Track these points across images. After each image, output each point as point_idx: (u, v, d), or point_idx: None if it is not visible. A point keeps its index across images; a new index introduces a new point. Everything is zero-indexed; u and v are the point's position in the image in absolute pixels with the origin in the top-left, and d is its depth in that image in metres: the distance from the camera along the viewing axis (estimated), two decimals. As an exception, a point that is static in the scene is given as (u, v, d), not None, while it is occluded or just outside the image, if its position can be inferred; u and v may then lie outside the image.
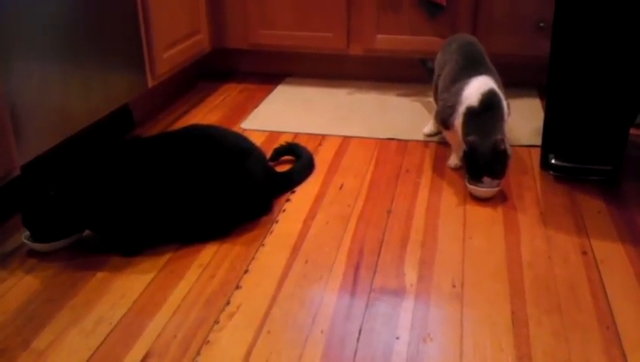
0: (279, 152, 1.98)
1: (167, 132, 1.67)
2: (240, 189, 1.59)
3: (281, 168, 1.91)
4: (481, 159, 1.70)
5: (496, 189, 1.75)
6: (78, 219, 1.49)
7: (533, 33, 2.44)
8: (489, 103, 1.76)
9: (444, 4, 2.45)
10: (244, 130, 2.24)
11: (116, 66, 2.00)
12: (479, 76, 1.83)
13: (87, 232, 1.56)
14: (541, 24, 2.41)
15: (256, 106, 2.48)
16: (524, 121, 2.29)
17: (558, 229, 1.61)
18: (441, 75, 2.03)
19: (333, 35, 2.62)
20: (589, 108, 1.81)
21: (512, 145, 2.02)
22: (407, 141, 2.16)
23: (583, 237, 1.58)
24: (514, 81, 2.62)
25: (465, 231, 1.61)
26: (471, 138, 1.72)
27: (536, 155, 2.01)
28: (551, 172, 1.90)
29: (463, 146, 1.74)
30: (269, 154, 1.96)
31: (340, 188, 1.83)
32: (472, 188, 1.75)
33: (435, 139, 2.15)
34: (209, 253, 1.52)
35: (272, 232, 1.61)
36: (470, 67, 1.89)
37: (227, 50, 2.80)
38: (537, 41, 2.44)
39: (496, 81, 1.86)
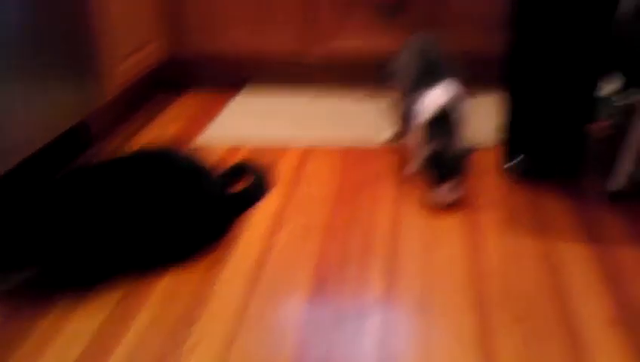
0: (232, 173, 1.94)
1: (115, 157, 1.62)
2: (196, 212, 1.56)
3: (237, 188, 1.88)
4: (444, 163, 1.70)
5: (460, 193, 1.74)
6: (23, 254, 1.43)
7: (491, 29, 2.43)
8: (445, 114, 1.76)
9: (400, 4, 2.43)
10: (202, 144, 2.20)
11: (70, 81, 1.94)
12: (436, 86, 1.82)
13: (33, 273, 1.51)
14: (499, 19, 2.40)
15: (215, 117, 2.44)
16: (487, 119, 2.28)
17: (521, 233, 1.61)
18: (398, 81, 2.01)
19: (290, 39, 2.58)
20: (547, 105, 1.81)
21: (474, 146, 2.02)
22: (368, 148, 2.14)
23: (547, 240, 1.58)
24: (478, 76, 2.62)
25: (429, 241, 1.59)
26: (432, 144, 1.71)
27: (495, 155, 2.01)
28: (512, 172, 1.90)
29: (424, 154, 1.73)
30: (223, 173, 1.92)
31: (302, 199, 1.81)
32: (435, 194, 1.74)
33: (395, 144, 2.13)
34: (167, 282, 1.49)
35: (232, 254, 1.58)
36: (427, 75, 1.88)
37: (184, 60, 2.75)
38: (496, 36, 2.43)
39: (454, 87, 1.84)
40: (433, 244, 1.58)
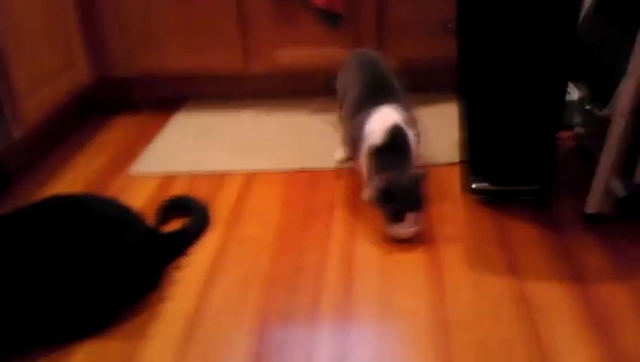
0: (167, 209, 1.72)
1: (21, 208, 1.38)
2: (117, 268, 1.33)
3: (173, 226, 1.65)
4: (396, 196, 1.49)
5: (418, 227, 1.54)
6: None
7: (442, 35, 2.25)
8: (394, 140, 1.56)
9: (342, 12, 2.22)
10: (133, 176, 1.97)
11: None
12: (382, 106, 1.62)
13: None
14: (449, 25, 2.22)
15: (149, 143, 2.20)
16: (442, 133, 2.10)
17: (487, 271, 1.42)
18: (343, 99, 1.81)
19: (228, 54, 2.36)
20: (507, 119, 1.61)
21: (430, 165, 1.84)
22: (317, 171, 1.93)
23: (516, 278, 1.39)
24: (430, 86, 2.44)
25: (384, 286, 1.39)
26: (381, 175, 1.51)
27: (456, 174, 1.82)
28: (476, 194, 1.71)
29: (373, 187, 1.53)
30: (159, 206, 1.70)
31: (242, 242, 1.59)
32: (392, 230, 1.54)
33: (348, 165, 1.93)
34: (83, 356, 1.26)
35: (160, 316, 1.35)
36: (372, 94, 1.68)
37: (115, 80, 2.50)
38: (448, 42, 2.25)
39: (402, 107, 1.65)
40: (391, 290, 1.38)
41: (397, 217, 1.51)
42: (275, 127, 2.26)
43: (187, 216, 1.66)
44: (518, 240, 1.52)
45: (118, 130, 2.35)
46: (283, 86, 2.52)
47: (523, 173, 1.66)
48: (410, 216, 1.51)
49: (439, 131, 2.11)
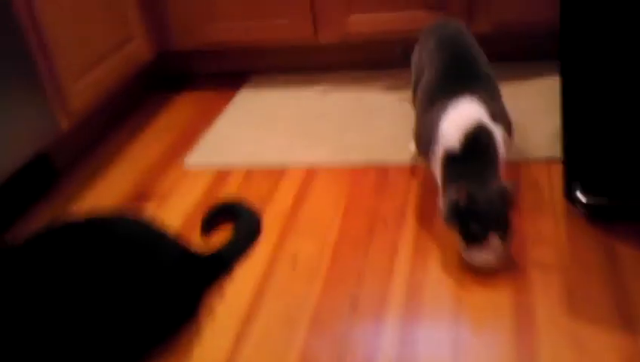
0: (212, 217, 1.51)
1: (38, 234, 1.21)
2: (149, 298, 1.15)
3: (220, 236, 1.45)
4: (481, 213, 1.20)
5: (502, 253, 1.24)
6: None
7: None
8: (475, 144, 1.25)
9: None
10: (186, 169, 1.78)
11: (9, 114, 1.54)
12: (463, 98, 1.31)
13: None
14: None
15: (208, 126, 2.00)
16: (540, 117, 1.74)
17: (591, 320, 1.11)
18: (418, 84, 1.51)
19: (295, 23, 2.09)
20: (626, 114, 1.25)
21: (523, 160, 1.51)
22: (388, 166, 1.65)
23: (632, 333, 1.08)
24: (529, 55, 2.06)
25: (457, 328, 1.12)
26: (455, 188, 1.22)
27: (557, 175, 1.49)
28: (579, 207, 1.37)
29: (446, 200, 1.24)
30: (204, 217, 1.50)
31: (291, 263, 1.36)
32: (470, 255, 1.25)
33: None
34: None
35: (191, 358, 1.16)
36: (452, 80, 1.37)
37: (175, 54, 2.31)
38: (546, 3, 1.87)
39: (488, 97, 1.33)
40: (462, 335, 1.11)
41: (477, 240, 1.22)
42: (344, 106, 1.99)
43: (233, 229, 1.45)
44: (637, 276, 1.19)
45: (177, 111, 2.16)
46: (356, 57, 2.23)
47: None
48: (493, 239, 1.21)
49: (537, 115, 1.75)
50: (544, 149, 1.60)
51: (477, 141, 1.25)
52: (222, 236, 1.45)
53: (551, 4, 1.84)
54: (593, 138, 1.28)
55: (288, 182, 1.65)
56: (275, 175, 1.69)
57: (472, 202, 1.20)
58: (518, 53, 2.07)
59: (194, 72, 2.39)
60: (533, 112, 1.76)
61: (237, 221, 1.48)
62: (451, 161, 1.26)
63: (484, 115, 1.29)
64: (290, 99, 2.09)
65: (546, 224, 1.35)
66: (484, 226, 1.20)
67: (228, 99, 2.17)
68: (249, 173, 1.72)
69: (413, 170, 1.62)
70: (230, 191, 1.64)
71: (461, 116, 1.28)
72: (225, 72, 2.34)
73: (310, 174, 1.67)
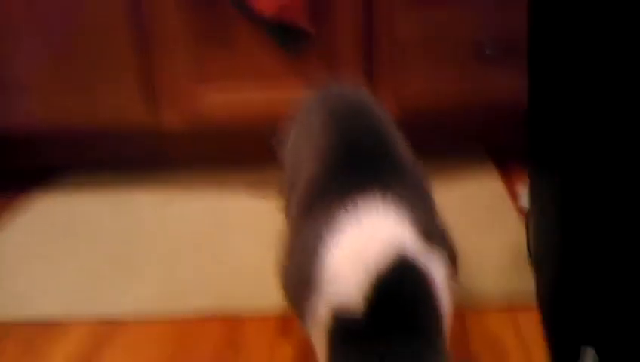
0: None
1: None
2: None
3: None
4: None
5: None
6: None
7: (473, 65, 1.36)
8: (394, 300, 0.62)
9: (307, 27, 1.33)
10: None
11: None
12: (369, 204, 0.69)
13: None
14: (487, 51, 1.33)
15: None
16: (485, 239, 1.17)
17: None
18: (293, 183, 0.88)
19: (122, 100, 1.45)
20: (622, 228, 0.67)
21: (472, 306, 0.92)
22: (243, 318, 0.99)
23: None
24: (451, 146, 1.55)
25: None
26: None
27: (530, 328, 0.89)
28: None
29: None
30: None
31: None
32: None
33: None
34: None
35: None
36: (351, 174, 0.75)
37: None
38: (480, 76, 1.37)
39: (412, 203, 0.72)
40: None
41: None
42: (188, 220, 1.34)
43: None
44: None
45: None
46: (210, 148, 1.62)
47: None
48: None
49: (479, 235, 1.18)
50: (498, 292, 1.00)
51: (397, 292, 0.62)
52: None
53: (477, 81, 1.34)
54: (582, 274, 0.70)
55: (68, 346, 0.95)
56: (50, 334, 0.98)
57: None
58: (435, 143, 1.55)
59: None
60: (478, 228, 1.19)
61: None
62: (345, 332, 0.62)
63: (408, 236, 0.67)
64: (106, 209, 1.41)
65: None
66: None
67: (10, 207, 1.46)
68: (7, 331, 1.00)
69: (284, 322, 0.97)
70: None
71: (366, 239, 0.66)
72: (16, 169, 1.65)
73: (109, 332, 0.98)
